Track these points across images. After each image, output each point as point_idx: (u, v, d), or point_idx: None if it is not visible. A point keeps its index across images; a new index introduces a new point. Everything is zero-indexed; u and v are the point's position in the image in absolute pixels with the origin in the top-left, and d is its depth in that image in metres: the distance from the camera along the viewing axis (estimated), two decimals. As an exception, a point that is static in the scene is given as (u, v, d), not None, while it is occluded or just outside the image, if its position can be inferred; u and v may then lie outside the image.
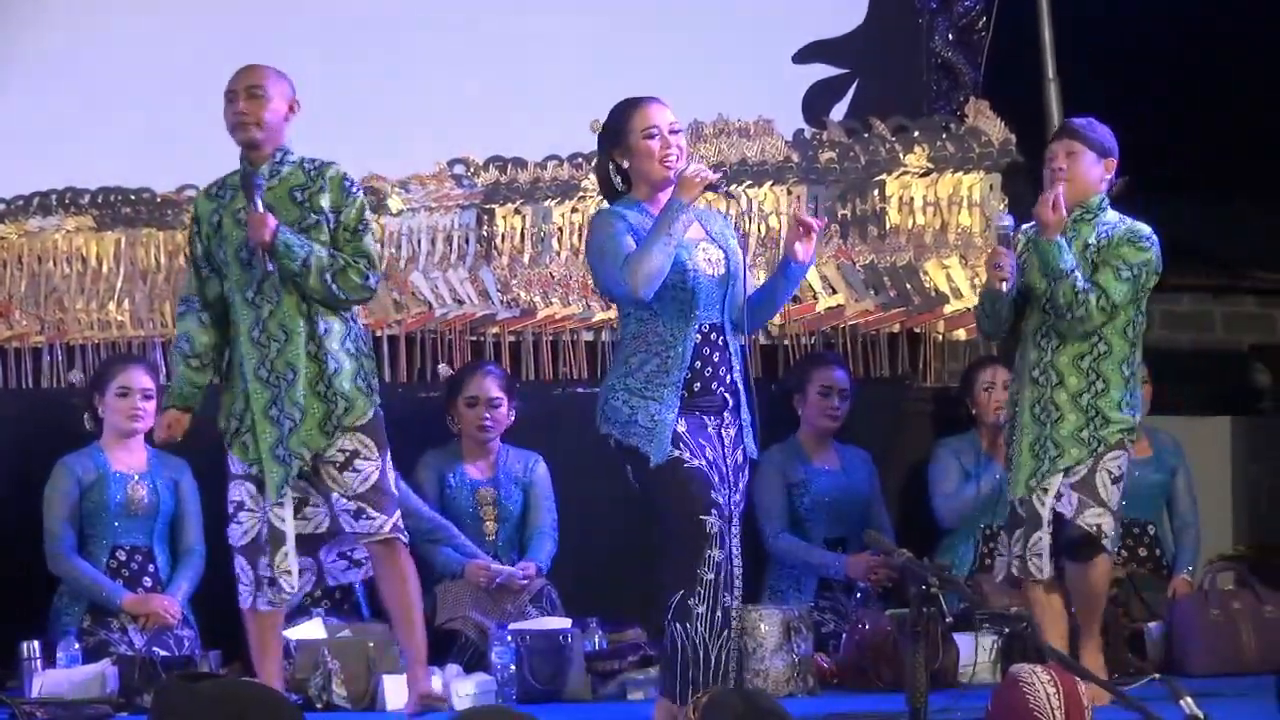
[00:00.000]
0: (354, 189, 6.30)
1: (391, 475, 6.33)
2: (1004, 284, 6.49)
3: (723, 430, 5.82)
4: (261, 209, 6.15)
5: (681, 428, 5.74)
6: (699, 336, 5.79)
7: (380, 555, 6.32)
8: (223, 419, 6.31)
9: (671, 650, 5.71)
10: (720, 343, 5.82)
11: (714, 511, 5.70)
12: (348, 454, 6.21)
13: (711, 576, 5.68)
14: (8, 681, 7.00)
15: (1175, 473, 8.06)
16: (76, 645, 7.01)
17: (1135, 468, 6.73)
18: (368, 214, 6.31)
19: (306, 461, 6.19)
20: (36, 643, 6.93)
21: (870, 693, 6.89)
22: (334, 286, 6.16)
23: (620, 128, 5.86)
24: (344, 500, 6.22)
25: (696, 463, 5.73)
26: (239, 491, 6.27)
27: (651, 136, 5.82)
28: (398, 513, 6.31)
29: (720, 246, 5.85)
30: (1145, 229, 6.58)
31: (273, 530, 6.22)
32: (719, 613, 5.70)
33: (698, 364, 5.78)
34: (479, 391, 7.69)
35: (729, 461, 5.82)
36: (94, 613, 7.28)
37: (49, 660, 6.94)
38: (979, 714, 5.75)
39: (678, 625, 5.71)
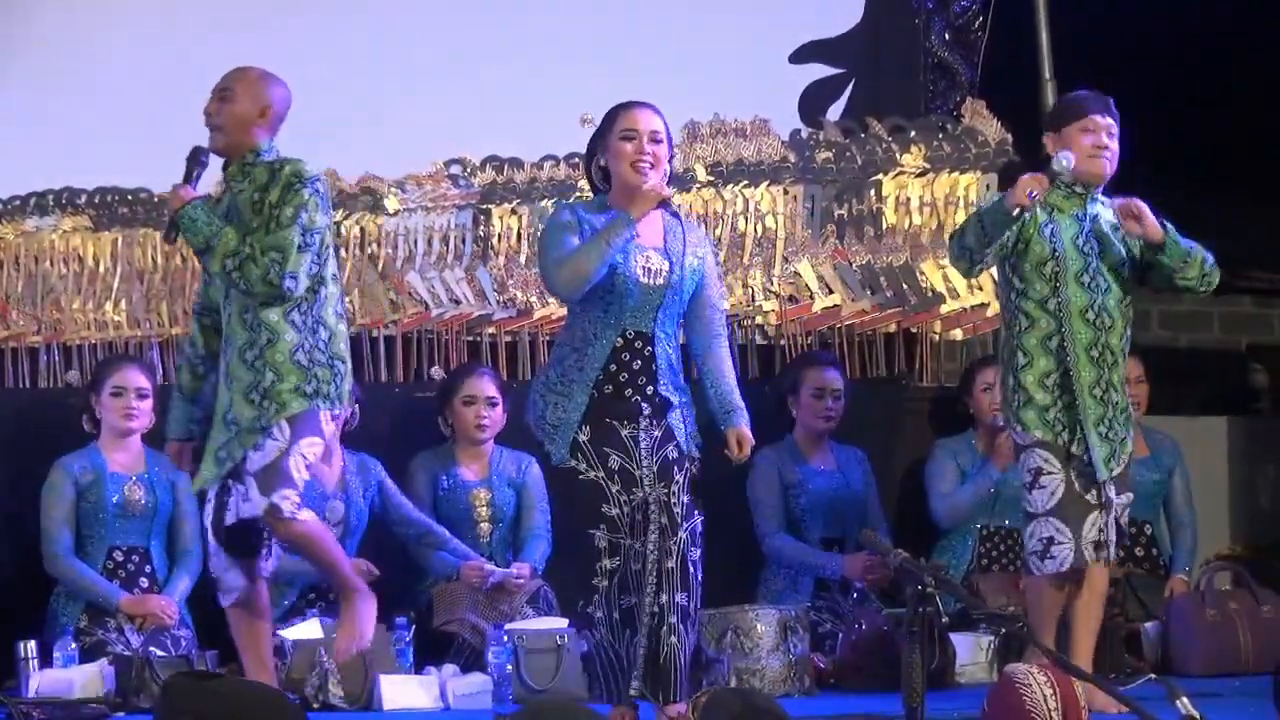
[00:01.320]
0: (301, 186, 5.89)
1: (297, 461, 5.89)
2: (1019, 210, 6.26)
3: (641, 433, 5.81)
4: (192, 186, 5.98)
5: (584, 435, 5.78)
6: (620, 341, 5.82)
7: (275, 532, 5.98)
8: None
9: (593, 654, 5.84)
10: (646, 352, 5.82)
11: (603, 526, 5.74)
12: (263, 437, 5.88)
13: (606, 583, 5.75)
14: (5, 681, 6.98)
15: (1172, 473, 8.06)
16: (73, 645, 7.00)
17: (1133, 467, 6.71)
18: (308, 213, 5.87)
19: (238, 461, 5.91)
20: (33, 642, 6.91)
21: (867, 693, 6.88)
22: (234, 274, 5.85)
23: (606, 126, 5.90)
24: (239, 485, 5.91)
25: (591, 475, 5.77)
26: None
27: (628, 139, 5.84)
28: (287, 492, 5.85)
29: (669, 259, 5.84)
30: None
31: None
32: (616, 614, 5.74)
33: (613, 368, 5.81)
34: (476, 390, 7.69)
35: (653, 459, 5.80)
36: (91, 613, 7.28)
37: (46, 660, 6.92)
38: (975, 714, 5.75)
39: (587, 632, 5.88)
